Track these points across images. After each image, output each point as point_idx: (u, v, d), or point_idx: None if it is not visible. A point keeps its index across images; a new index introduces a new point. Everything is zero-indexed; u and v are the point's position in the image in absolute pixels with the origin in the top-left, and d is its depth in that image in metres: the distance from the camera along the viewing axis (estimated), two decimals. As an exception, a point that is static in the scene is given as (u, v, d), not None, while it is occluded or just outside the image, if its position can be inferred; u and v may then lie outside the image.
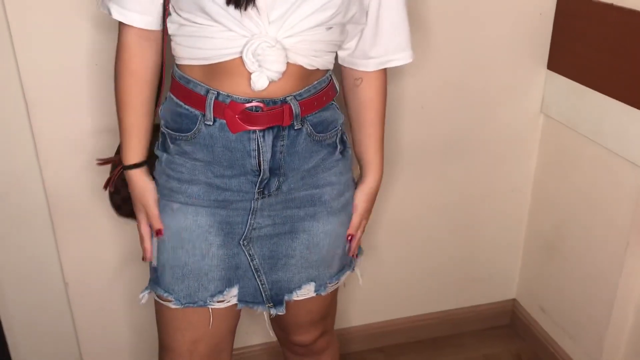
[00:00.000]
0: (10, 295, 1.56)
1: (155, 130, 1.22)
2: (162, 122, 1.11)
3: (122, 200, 1.21)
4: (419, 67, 1.57)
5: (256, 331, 1.77)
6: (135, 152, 1.11)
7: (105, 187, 1.21)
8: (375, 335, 1.89)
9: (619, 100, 1.43)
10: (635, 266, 1.50)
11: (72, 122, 1.40)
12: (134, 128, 1.10)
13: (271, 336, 1.76)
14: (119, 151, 1.20)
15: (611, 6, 1.42)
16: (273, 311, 1.17)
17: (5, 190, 1.45)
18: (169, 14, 1.04)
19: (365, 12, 1.09)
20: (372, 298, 1.84)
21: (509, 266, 1.94)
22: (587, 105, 1.54)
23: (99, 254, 1.55)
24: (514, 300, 1.99)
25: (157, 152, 1.13)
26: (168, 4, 1.03)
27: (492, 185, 1.79)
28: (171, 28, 1.04)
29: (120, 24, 1.06)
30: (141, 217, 1.14)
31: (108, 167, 1.40)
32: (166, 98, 1.11)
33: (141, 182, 1.12)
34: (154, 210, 1.11)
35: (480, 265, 1.90)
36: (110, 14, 1.04)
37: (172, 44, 1.06)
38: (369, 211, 1.23)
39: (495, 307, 1.98)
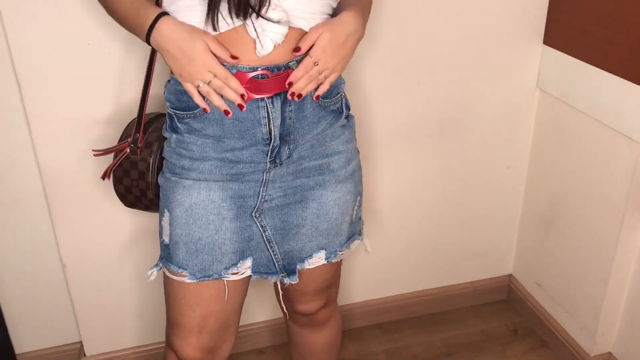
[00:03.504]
0: (8, 277, 1.56)
1: (155, 118, 1.22)
2: (167, 104, 1.11)
3: (125, 190, 1.21)
4: (414, 44, 1.56)
5: (258, 308, 1.78)
6: (157, 8, 1.02)
7: (103, 177, 1.21)
8: (374, 311, 1.90)
9: (616, 74, 1.43)
10: (631, 241, 1.51)
11: (65, 103, 1.38)
12: None
13: (273, 313, 1.79)
14: (119, 141, 1.21)
15: (607, -20, 1.40)
16: (286, 280, 1.19)
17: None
18: None
19: None
20: (370, 275, 1.85)
21: (505, 242, 1.95)
22: (584, 80, 1.53)
23: (96, 234, 1.54)
24: (510, 275, 2.00)
25: (166, 134, 1.13)
26: None
27: (488, 162, 1.80)
28: (165, 1, 1.03)
29: None
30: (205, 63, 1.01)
31: (107, 145, 1.40)
32: (169, 80, 1.11)
33: (183, 23, 1.00)
34: (216, 46, 0.99)
35: (476, 242, 1.91)
36: None
37: None
38: (326, 47, 1.04)
39: (492, 283, 1.99)
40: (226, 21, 0.98)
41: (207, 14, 0.97)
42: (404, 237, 1.83)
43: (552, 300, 1.81)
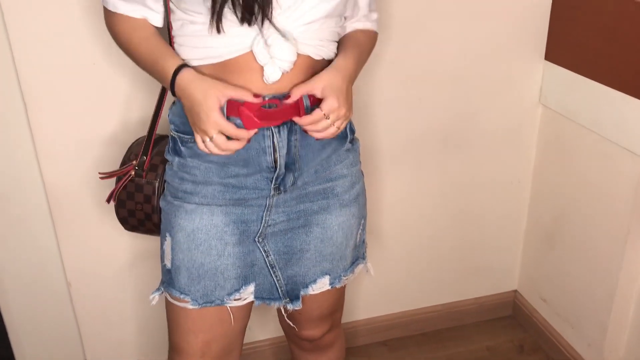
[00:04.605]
0: (12, 295, 1.55)
1: (158, 140, 1.21)
2: (171, 127, 1.10)
3: (128, 213, 1.20)
4: (416, 60, 1.57)
5: (261, 327, 1.77)
6: (175, 56, 1.03)
7: (108, 200, 1.20)
8: (379, 328, 1.89)
9: (617, 89, 1.43)
10: (636, 255, 1.50)
11: (70, 121, 1.39)
12: (161, 45, 1.04)
13: (276, 331, 1.78)
14: (123, 164, 1.20)
15: (608, -5, 1.42)
16: (290, 306, 1.17)
17: (4, 191, 1.44)
18: (172, 11, 1.03)
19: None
20: (374, 292, 1.84)
21: (510, 257, 1.94)
22: (586, 95, 1.54)
23: (101, 252, 1.54)
24: (515, 291, 1.99)
25: (168, 157, 1.12)
26: (168, 1, 1.02)
27: (492, 177, 1.80)
28: (174, 27, 1.03)
29: (111, 15, 1.06)
30: (215, 123, 0.99)
31: (112, 165, 1.40)
32: (174, 103, 1.10)
33: (199, 77, 1.00)
34: (233, 92, 0.99)
35: (481, 257, 1.91)
36: (116, 9, 1.04)
37: (175, 46, 1.05)
38: (339, 89, 1.04)
39: (497, 299, 1.98)
40: (230, 20, 0.96)
41: (212, 16, 0.96)
42: (408, 253, 1.83)
43: (558, 316, 1.80)
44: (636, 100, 1.38)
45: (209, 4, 0.95)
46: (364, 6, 1.15)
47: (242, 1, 0.94)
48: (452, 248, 1.86)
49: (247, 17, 0.95)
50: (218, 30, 0.97)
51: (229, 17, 0.96)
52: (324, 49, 1.05)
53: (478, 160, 1.76)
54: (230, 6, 0.94)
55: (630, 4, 1.35)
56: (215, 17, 0.95)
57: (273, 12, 0.97)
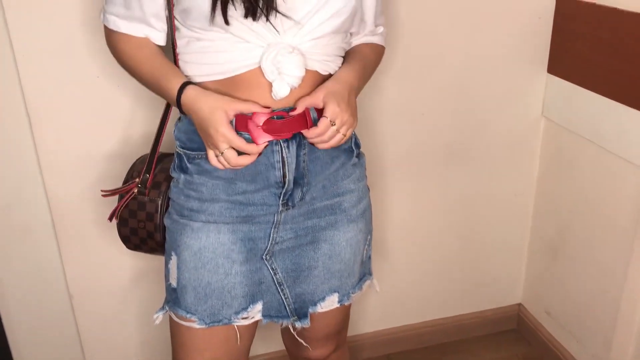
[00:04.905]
0: (15, 306, 1.55)
1: (161, 157, 1.21)
2: (177, 144, 1.10)
3: (130, 232, 1.19)
4: (419, 73, 1.58)
5: (261, 340, 1.76)
6: (178, 75, 1.03)
7: (110, 218, 1.19)
8: (382, 342, 1.88)
9: (620, 102, 1.43)
10: (641, 267, 1.50)
11: (74, 135, 1.39)
12: (164, 63, 1.04)
13: (276, 346, 1.77)
14: (126, 181, 1.19)
15: (609, 9, 1.42)
16: (298, 324, 1.16)
17: (7, 202, 1.44)
18: (177, 29, 1.03)
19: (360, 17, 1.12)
20: (378, 306, 1.83)
21: (514, 270, 1.93)
22: (588, 108, 1.54)
23: (103, 265, 1.54)
24: (519, 304, 1.99)
25: (174, 174, 1.11)
26: (173, 19, 1.02)
27: (495, 190, 1.79)
28: (180, 44, 1.03)
29: (112, 34, 1.06)
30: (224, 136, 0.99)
31: (114, 180, 1.40)
32: (180, 119, 1.10)
33: (204, 93, 1.00)
34: (240, 105, 0.99)
35: (484, 270, 1.90)
36: (119, 29, 1.04)
37: (181, 63, 1.05)
38: (340, 95, 1.03)
39: (501, 312, 1.97)
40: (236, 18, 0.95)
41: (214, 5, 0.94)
42: (411, 267, 1.82)
43: (563, 329, 1.79)
44: (638, 112, 1.38)
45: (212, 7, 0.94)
46: (370, 22, 1.15)
47: None
48: (456, 261, 1.86)
49: (250, 9, 0.93)
50: (226, 22, 0.94)
51: (233, 14, 0.94)
52: (330, 64, 1.06)
53: (481, 173, 1.76)
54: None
55: (632, 18, 1.36)
56: (221, 5, 0.93)
57: (277, 29, 0.97)
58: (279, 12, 0.95)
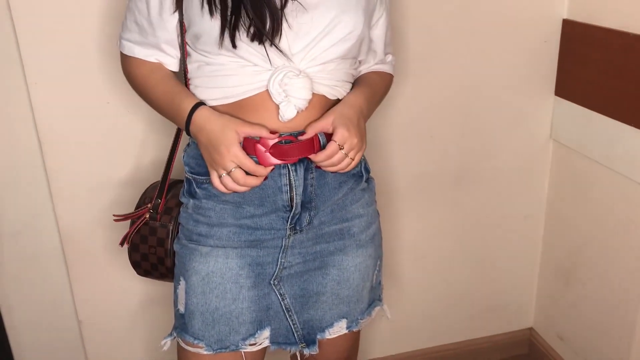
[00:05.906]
0: (24, 331, 1.55)
1: (173, 184, 1.22)
2: (186, 169, 1.10)
3: (141, 257, 1.19)
4: (428, 97, 1.58)
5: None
6: (191, 96, 1.04)
7: (122, 243, 1.19)
8: (393, 368, 1.87)
9: (628, 123, 1.43)
10: (655, 290, 1.48)
11: (85, 161, 1.40)
12: (177, 85, 1.06)
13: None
14: (138, 207, 1.20)
15: (615, 32, 1.43)
16: (306, 351, 1.15)
17: (18, 229, 1.45)
18: (188, 54, 1.05)
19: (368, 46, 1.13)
20: (388, 330, 1.82)
21: (525, 294, 1.91)
22: (596, 130, 1.54)
23: (112, 291, 1.54)
24: (531, 329, 1.96)
25: (183, 199, 1.12)
26: (185, 45, 1.04)
27: (505, 213, 1.79)
28: (191, 69, 1.05)
29: (127, 59, 1.08)
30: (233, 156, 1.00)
31: (124, 206, 1.40)
32: (188, 144, 1.11)
33: (216, 113, 1.01)
34: (249, 129, 0.99)
35: (495, 294, 1.88)
36: (135, 55, 1.06)
37: (192, 87, 1.06)
38: (349, 119, 1.04)
39: (513, 337, 1.95)
40: (243, 40, 0.96)
41: (222, 31, 0.96)
42: (421, 291, 1.81)
43: (576, 354, 1.76)
44: (648, 134, 1.38)
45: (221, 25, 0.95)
46: (380, 52, 1.16)
47: (253, 11, 0.94)
48: (466, 285, 1.84)
49: (257, 33, 0.95)
50: (234, 45, 0.96)
51: (241, 37, 0.96)
52: (338, 89, 1.06)
53: (490, 197, 1.75)
54: (242, 19, 0.94)
55: (637, 40, 1.36)
56: (229, 29, 0.95)
57: (285, 53, 0.98)
58: (285, 37, 0.97)
